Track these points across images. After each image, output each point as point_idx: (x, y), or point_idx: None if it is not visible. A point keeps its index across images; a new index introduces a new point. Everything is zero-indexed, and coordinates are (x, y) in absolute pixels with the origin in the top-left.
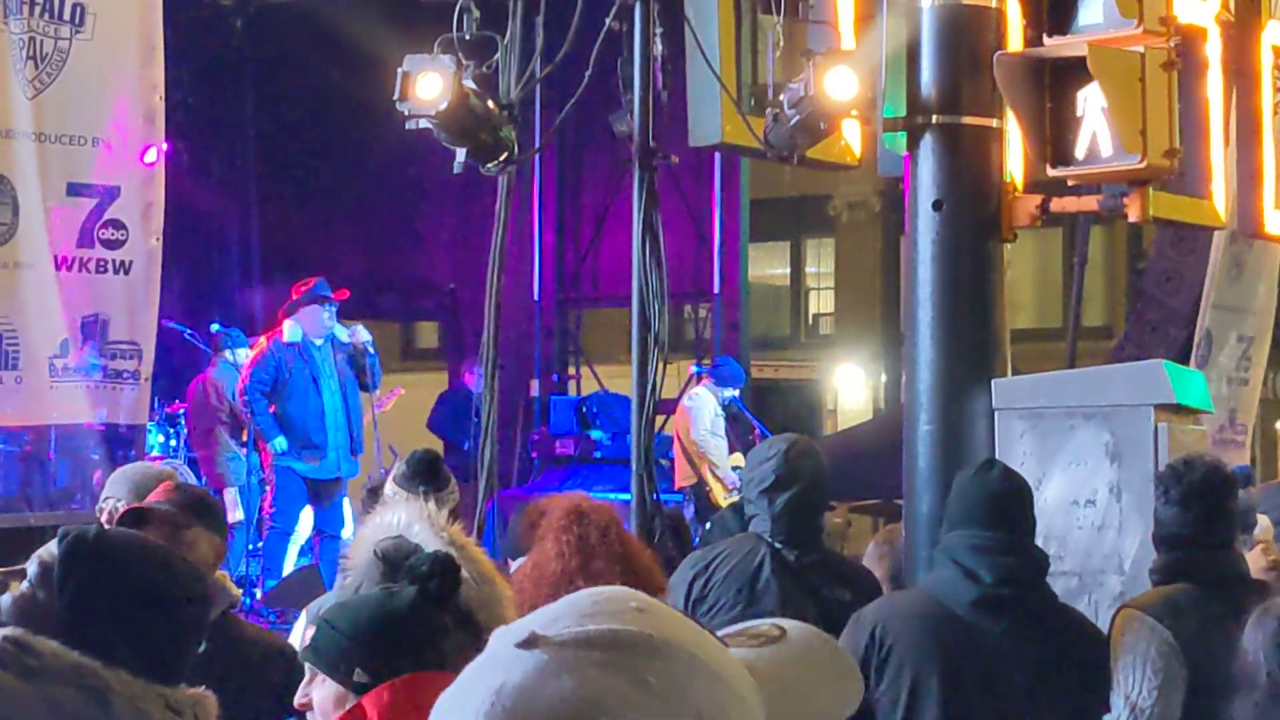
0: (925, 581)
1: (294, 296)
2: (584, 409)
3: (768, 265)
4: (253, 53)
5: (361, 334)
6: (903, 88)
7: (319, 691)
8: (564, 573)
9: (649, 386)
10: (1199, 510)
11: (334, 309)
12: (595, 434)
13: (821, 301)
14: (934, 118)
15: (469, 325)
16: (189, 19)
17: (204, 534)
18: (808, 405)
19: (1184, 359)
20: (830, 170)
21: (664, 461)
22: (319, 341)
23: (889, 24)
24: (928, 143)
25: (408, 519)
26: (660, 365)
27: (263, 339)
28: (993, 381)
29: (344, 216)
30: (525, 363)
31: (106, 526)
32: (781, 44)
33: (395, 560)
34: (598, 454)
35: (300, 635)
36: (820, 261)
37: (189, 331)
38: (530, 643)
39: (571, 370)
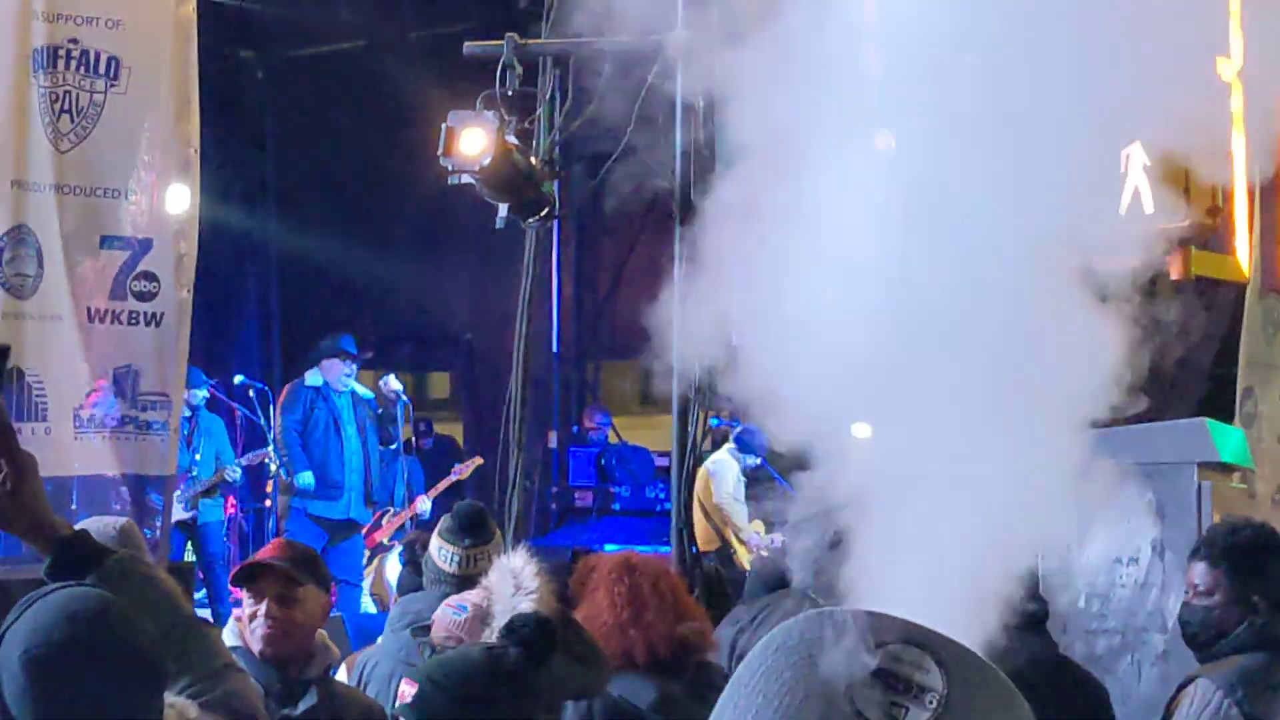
0: None
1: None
2: (603, 461)
3: None
4: (274, 104)
5: (392, 383)
6: None
7: None
8: (616, 624)
9: (690, 441)
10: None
11: (355, 367)
12: (615, 487)
13: None
14: None
15: (485, 375)
16: (210, 70)
17: (314, 591)
18: None
19: (1204, 414)
20: None
21: None
22: (340, 389)
23: None
24: None
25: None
26: (702, 419)
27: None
28: None
29: (362, 267)
30: (543, 414)
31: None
32: None
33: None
34: (617, 506)
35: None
36: None
37: (211, 383)
38: None
39: (589, 423)
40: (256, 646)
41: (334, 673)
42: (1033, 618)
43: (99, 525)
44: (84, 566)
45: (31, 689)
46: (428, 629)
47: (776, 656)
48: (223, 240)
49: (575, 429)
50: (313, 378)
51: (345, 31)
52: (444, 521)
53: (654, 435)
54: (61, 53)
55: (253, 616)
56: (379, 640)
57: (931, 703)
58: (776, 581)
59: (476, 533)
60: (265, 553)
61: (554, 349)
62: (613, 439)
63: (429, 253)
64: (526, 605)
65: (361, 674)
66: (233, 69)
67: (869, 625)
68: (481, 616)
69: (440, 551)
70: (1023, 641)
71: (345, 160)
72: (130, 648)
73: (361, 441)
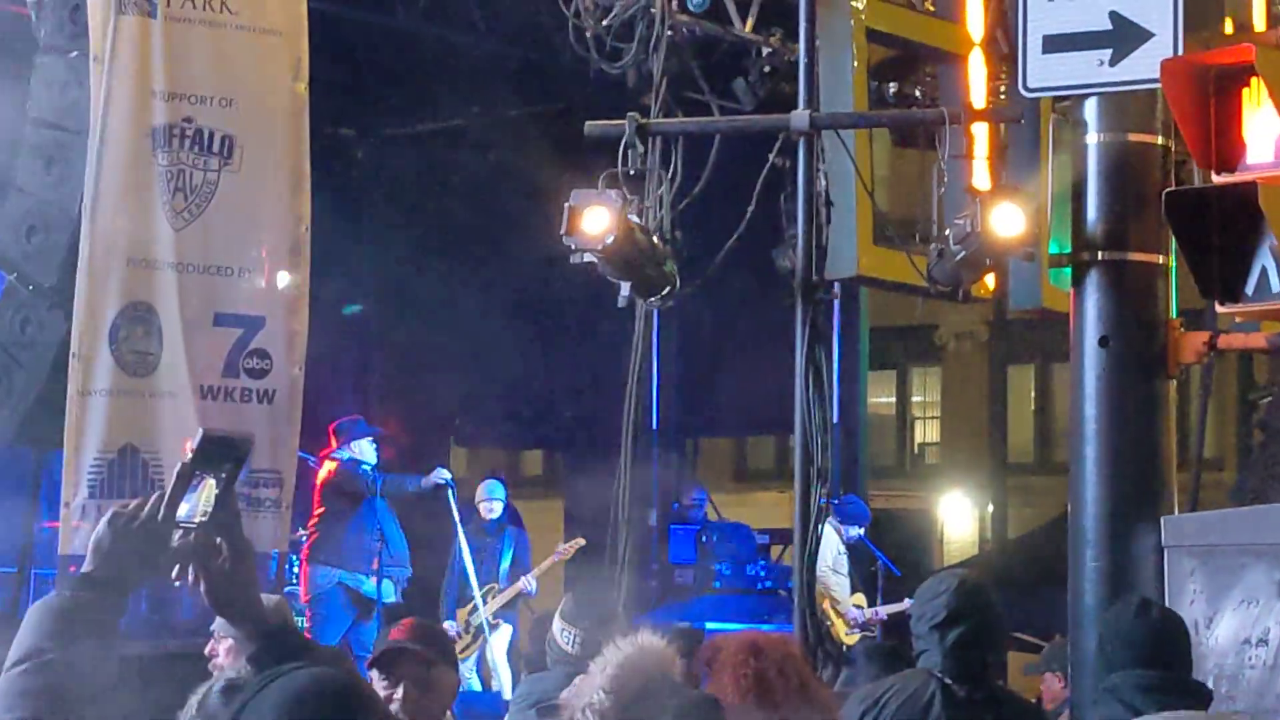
0: None
1: (334, 432)
2: (703, 538)
3: (873, 394)
4: (372, 183)
5: (441, 475)
6: (1068, 224)
7: None
8: (742, 705)
9: (812, 519)
10: None
11: (376, 448)
12: (715, 565)
13: (927, 431)
14: (1100, 254)
15: (585, 452)
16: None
17: (447, 671)
18: (918, 535)
19: None
20: (968, 302)
21: (782, 593)
22: (368, 468)
23: (1055, 161)
24: (1094, 279)
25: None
26: (826, 498)
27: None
28: (1161, 519)
29: (459, 345)
30: (642, 491)
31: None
32: (946, 181)
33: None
34: (717, 584)
35: None
36: (926, 390)
37: (312, 460)
38: None
39: (687, 500)
40: None
41: None
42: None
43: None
44: (291, 656)
45: None
46: (553, 709)
47: None
48: (320, 319)
49: (675, 506)
50: (346, 453)
51: (444, 110)
52: (565, 604)
53: (748, 512)
54: (177, 131)
55: (388, 700)
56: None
57: None
58: (889, 659)
59: (599, 614)
60: (398, 634)
61: (654, 426)
62: (711, 516)
63: (527, 330)
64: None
65: None
66: (331, 147)
67: None
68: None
69: (562, 633)
70: None
71: (443, 237)
72: None
73: (394, 521)
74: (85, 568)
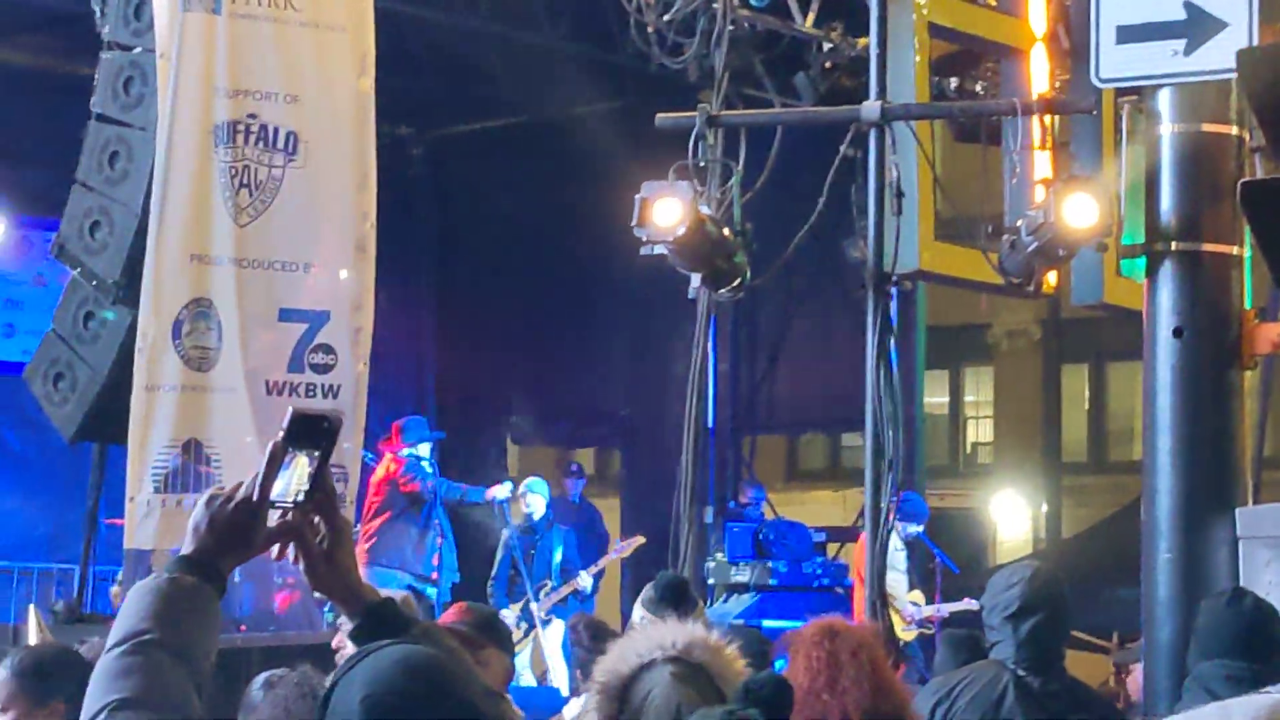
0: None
1: (395, 432)
2: (760, 536)
3: (927, 394)
4: (430, 181)
5: (505, 489)
6: (1141, 215)
7: None
8: (811, 689)
9: (883, 512)
10: None
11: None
12: (772, 562)
13: (980, 430)
14: (1173, 244)
15: (642, 451)
16: None
17: (497, 655)
18: (972, 534)
19: None
20: (1038, 297)
21: (839, 590)
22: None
23: (1128, 151)
24: (1167, 270)
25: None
26: (894, 489)
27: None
28: (1236, 510)
29: (518, 344)
30: (698, 489)
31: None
32: (1018, 172)
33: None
34: (774, 581)
35: None
36: (979, 390)
37: (370, 457)
38: None
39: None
40: None
41: None
42: None
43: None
44: (391, 632)
45: None
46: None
47: None
48: (378, 317)
49: (732, 504)
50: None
51: (503, 108)
52: (646, 592)
53: (801, 510)
54: (241, 128)
55: None
56: (564, 711)
57: None
58: (970, 652)
59: (679, 603)
60: (449, 617)
61: (709, 424)
62: (768, 514)
63: (584, 328)
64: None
65: None
66: (389, 146)
67: None
68: None
69: (643, 622)
70: None
71: (500, 236)
72: (464, 702)
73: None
74: (184, 550)
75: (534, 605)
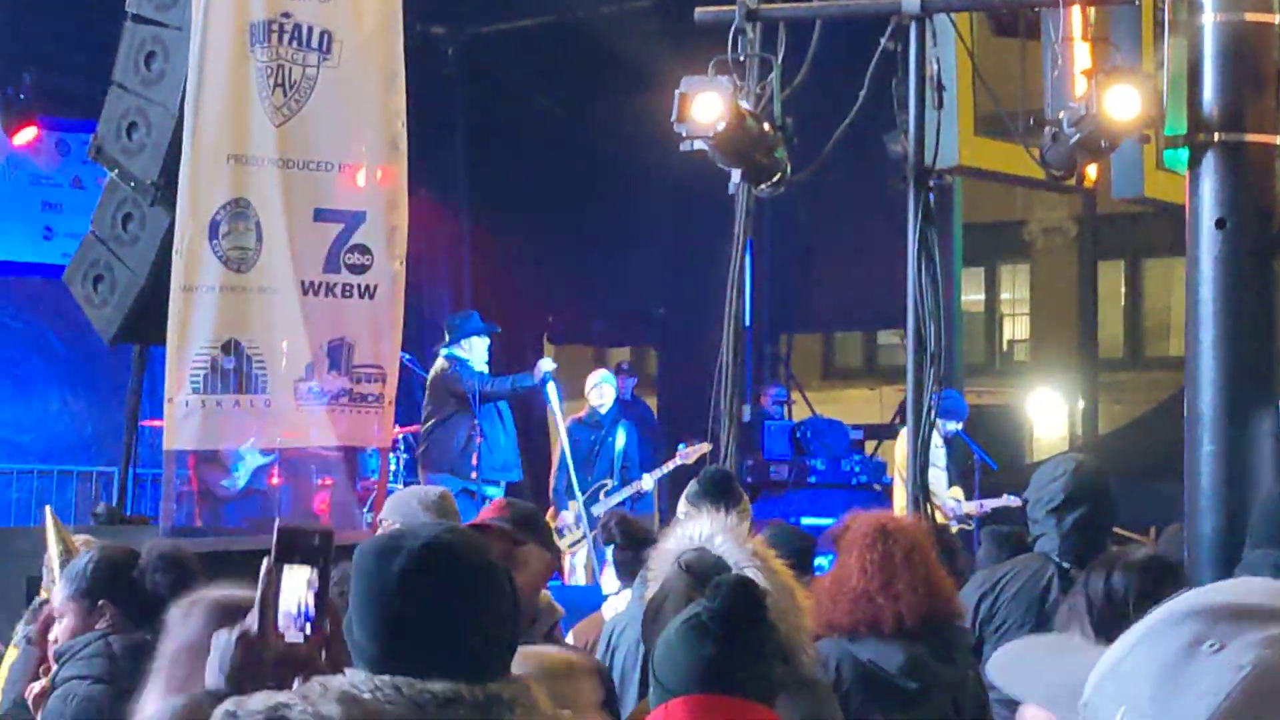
0: None
1: (447, 327)
2: (798, 434)
3: (963, 291)
4: (463, 81)
5: (546, 365)
6: (1184, 106)
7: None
8: (864, 591)
9: (925, 405)
10: None
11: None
12: (810, 460)
13: (1017, 328)
14: (1216, 135)
15: (679, 350)
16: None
17: (536, 550)
18: (1008, 432)
19: None
20: (1072, 192)
21: (877, 487)
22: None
23: (1170, 42)
24: (1210, 161)
25: (710, 531)
26: (936, 384)
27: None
28: (1278, 402)
29: (554, 244)
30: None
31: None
32: (1060, 64)
33: (700, 572)
34: (812, 479)
35: None
36: (1015, 287)
37: (408, 357)
38: None
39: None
40: None
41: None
42: None
43: (422, 494)
44: None
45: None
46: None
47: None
48: (412, 218)
49: (772, 402)
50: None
51: (538, 5)
52: (691, 487)
53: (836, 408)
54: (275, 26)
55: None
56: (603, 608)
57: None
58: (1013, 547)
59: (726, 498)
60: (487, 513)
61: (746, 323)
62: (802, 412)
63: (620, 228)
64: (751, 571)
65: (610, 639)
66: (421, 46)
67: None
68: None
69: (688, 516)
70: None
71: (535, 136)
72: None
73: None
74: (210, 686)
75: (580, 505)
